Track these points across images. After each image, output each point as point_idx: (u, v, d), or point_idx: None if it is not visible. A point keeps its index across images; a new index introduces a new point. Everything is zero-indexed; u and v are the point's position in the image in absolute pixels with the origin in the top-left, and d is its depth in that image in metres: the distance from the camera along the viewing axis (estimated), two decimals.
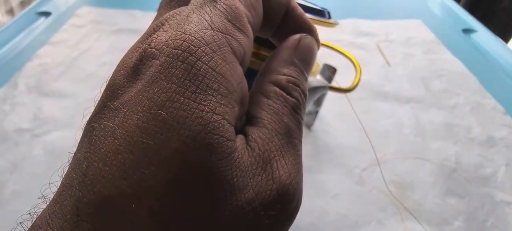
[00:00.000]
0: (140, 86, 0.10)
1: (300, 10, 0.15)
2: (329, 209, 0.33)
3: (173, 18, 0.12)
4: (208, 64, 0.10)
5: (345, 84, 0.31)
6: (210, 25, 0.11)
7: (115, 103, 0.10)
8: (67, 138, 0.39)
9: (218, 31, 0.11)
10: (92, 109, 0.12)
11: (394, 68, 0.51)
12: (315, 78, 0.25)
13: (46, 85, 0.47)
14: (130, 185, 0.09)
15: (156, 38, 0.11)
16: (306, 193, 0.35)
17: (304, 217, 0.32)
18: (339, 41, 0.57)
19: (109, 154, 0.09)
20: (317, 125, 0.42)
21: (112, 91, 0.11)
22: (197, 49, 0.10)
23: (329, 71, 0.32)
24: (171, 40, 0.10)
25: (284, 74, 0.13)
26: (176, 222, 0.09)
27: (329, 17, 0.23)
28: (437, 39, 0.58)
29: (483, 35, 0.60)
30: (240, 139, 0.11)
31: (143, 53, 0.11)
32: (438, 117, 0.43)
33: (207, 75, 0.10)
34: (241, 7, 0.12)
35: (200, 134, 0.09)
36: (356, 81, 0.31)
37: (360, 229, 0.32)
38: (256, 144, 0.11)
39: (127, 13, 0.65)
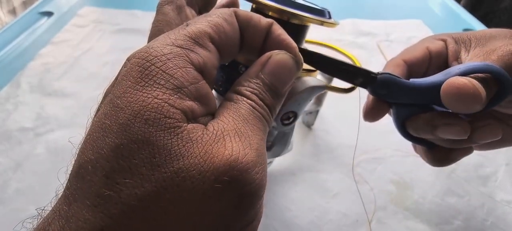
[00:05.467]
0: (111, 87, 0.14)
1: (280, 31, 0.17)
2: (330, 208, 0.33)
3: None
4: (160, 68, 0.13)
5: (345, 84, 0.31)
6: (173, 42, 0.14)
7: (101, 105, 0.14)
8: (70, 137, 0.39)
9: (177, 46, 0.14)
10: (95, 108, 0.15)
11: None
12: (314, 78, 0.26)
13: (49, 85, 0.47)
14: (93, 153, 0.12)
15: (133, 53, 0.14)
16: (307, 192, 0.35)
17: (305, 216, 0.33)
18: (339, 41, 0.57)
19: (88, 136, 0.13)
20: (317, 124, 0.42)
21: (103, 97, 0.15)
22: (153, 58, 0.13)
23: None
24: (138, 53, 0.14)
25: (244, 86, 0.16)
26: (124, 178, 0.12)
27: (329, 17, 0.23)
28: None
29: None
30: (197, 124, 0.13)
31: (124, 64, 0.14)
32: None
33: (157, 75, 0.13)
34: (206, 29, 0.15)
35: (140, 111, 0.12)
36: None
37: (360, 228, 0.32)
38: (212, 126, 0.14)
39: (128, 13, 0.65)
